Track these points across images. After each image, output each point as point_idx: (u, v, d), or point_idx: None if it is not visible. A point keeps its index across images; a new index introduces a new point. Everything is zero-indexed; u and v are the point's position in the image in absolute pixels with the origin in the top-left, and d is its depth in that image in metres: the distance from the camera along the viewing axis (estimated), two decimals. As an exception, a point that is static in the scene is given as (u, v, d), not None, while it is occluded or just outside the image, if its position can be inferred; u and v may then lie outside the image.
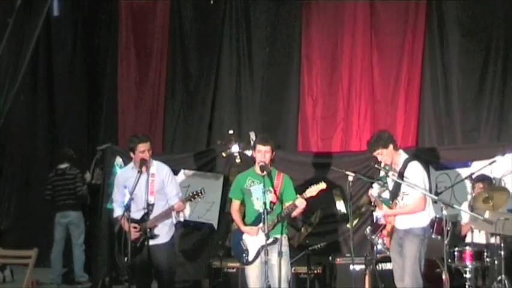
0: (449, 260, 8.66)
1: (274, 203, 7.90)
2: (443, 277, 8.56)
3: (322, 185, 7.85)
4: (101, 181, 11.37)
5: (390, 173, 7.81)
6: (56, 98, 13.65)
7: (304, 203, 7.75)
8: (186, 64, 12.83)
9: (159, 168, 8.28)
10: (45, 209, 11.98)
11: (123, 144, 11.71)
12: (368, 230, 8.91)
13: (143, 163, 8.04)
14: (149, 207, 8.11)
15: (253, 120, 12.17)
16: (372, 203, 8.55)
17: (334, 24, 11.86)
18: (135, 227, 8.05)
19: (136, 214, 8.10)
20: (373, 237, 8.74)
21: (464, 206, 9.08)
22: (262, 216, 7.62)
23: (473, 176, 9.32)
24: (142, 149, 8.08)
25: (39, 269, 9.96)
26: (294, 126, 11.97)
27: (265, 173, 7.78)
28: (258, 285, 7.82)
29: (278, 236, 7.81)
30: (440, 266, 8.71)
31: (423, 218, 7.81)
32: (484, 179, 9.25)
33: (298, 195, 7.77)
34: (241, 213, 8.13)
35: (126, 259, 7.75)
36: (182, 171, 10.70)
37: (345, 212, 10.20)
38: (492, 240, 8.84)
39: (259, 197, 7.88)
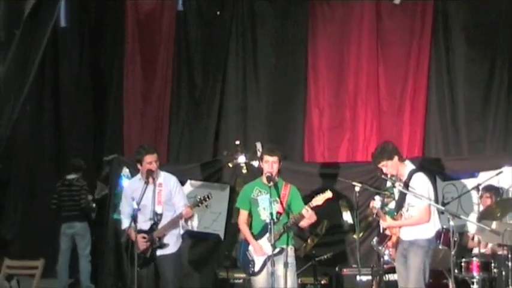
0: (457, 271, 8.63)
1: (280, 214, 7.91)
2: (450, 288, 8.55)
3: (328, 194, 7.87)
4: (104, 193, 11.40)
5: (397, 184, 7.81)
6: (62, 108, 13.64)
7: (310, 212, 7.76)
8: (192, 74, 12.82)
9: (166, 179, 8.29)
10: (51, 218, 11.97)
11: (129, 154, 11.72)
12: (375, 240, 8.89)
13: (150, 174, 8.07)
14: (157, 217, 8.13)
15: (259, 130, 12.16)
16: (374, 215, 8.53)
17: (341, 34, 11.87)
18: (143, 237, 8.05)
19: (144, 225, 8.11)
20: (380, 247, 8.73)
21: (471, 216, 9.06)
22: (269, 227, 7.63)
23: (480, 187, 9.31)
24: (150, 160, 8.10)
25: (45, 279, 9.95)
26: (300, 136, 11.97)
27: (271, 183, 7.79)
28: (264, 296, 7.83)
29: (284, 246, 7.82)
30: (447, 276, 8.69)
31: (428, 230, 7.80)
32: (491, 189, 9.23)
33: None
34: (249, 224, 8.14)
35: (135, 270, 7.74)
36: (189, 181, 10.70)
37: (352, 222, 10.18)
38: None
39: (265, 207, 7.89)
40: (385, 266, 9.02)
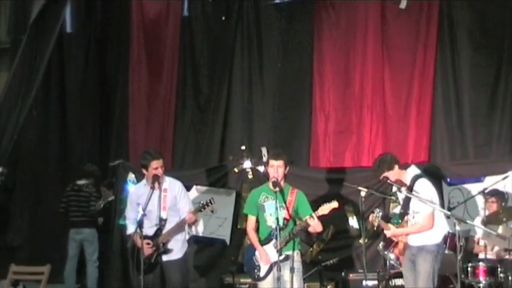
0: (463, 276, 8.60)
1: (287, 220, 7.90)
2: (457, 293, 8.52)
3: (335, 204, 7.86)
4: (110, 199, 11.41)
5: (402, 189, 7.81)
6: (68, 114, 13.68)
7: (315, 220, 7.75)
8: (197, 79, 12.83)
9: (171, 184, 8.31)
10: (57, 224, 11.99)
11: (134, 159, 11.73)
12: (381, 245, 8.90)
13: (155, 179, 8.07)
14: (162, 222, 8.14)
15: (265, 135, 12.13)
16: (375, 227, 8.49)
17: (346, 39, 11.84)
18: (148, 243, 8.06)
19: (150, 230, 8.12)
20: (386, 252, 8.72)
21: (477, 221, 9.04)
22: (275, 232, 7.63)
23: (486, 191, 9.29)
24: (156, 165, 8.12)
25: (52, 285, 9.96)
26: (306, 141, 11.93)
27: (277, 189, 7.79)
28: (271, 301, 7.83)
29: (290, 253, 7.82)
30: (453, 281, 8.66)
31: (436, 235, 7.80)
32: (496, 193, 9.21)
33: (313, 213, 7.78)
34: (256, 229, 8.14)
35: (140, 276, 7.74)
36: (194, 187, 10.72)
37: (358, 227, 10.17)
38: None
39: (272, 212, 7.89)
40: (391, 271, 9.02)
